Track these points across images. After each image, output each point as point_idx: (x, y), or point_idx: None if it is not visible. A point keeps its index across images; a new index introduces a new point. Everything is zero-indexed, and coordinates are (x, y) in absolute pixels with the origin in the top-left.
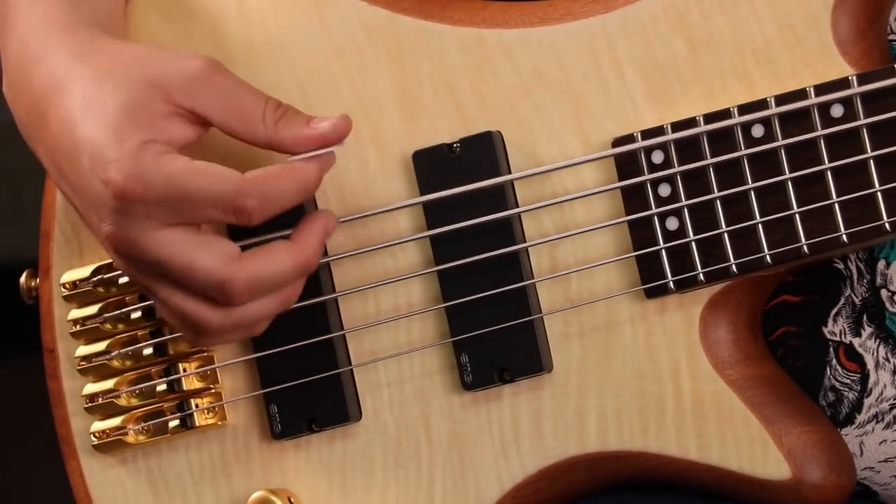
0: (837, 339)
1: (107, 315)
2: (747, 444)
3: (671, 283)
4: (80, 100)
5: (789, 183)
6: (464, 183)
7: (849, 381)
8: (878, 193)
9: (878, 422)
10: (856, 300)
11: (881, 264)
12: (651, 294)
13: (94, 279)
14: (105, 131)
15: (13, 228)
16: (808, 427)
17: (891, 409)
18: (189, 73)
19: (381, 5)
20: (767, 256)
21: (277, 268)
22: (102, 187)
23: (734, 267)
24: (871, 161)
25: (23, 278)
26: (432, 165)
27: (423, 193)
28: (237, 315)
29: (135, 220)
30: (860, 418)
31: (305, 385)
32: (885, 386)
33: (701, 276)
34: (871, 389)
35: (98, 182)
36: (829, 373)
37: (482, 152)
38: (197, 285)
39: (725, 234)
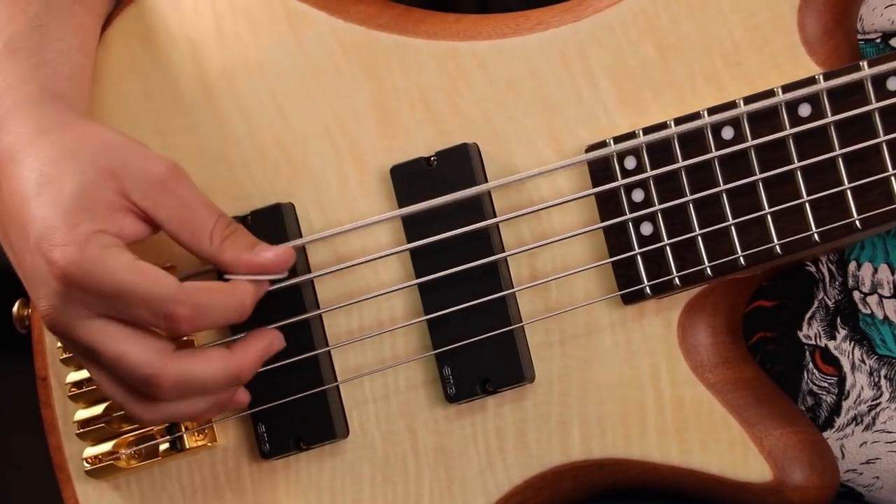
0: (813, 342)
1: None
2: (728, 447)
3: (647, 288)
4: (36, 176)
5: (760, 184)
6: (442, 195)
7: (826, 385)
8: (848, 191)
9: (857, 424)
10: (829, 303)
11: (852, 266)
12: (628, 300)
13: None
14: (57, 212)
15: None
16: (788, 428)
17: (869, 410)
18: (150, 176)
19: (357, 22)
20: (741, 258)
21: (207, 372)
22: (45, 266)
23: (709, 269)
24: (840, 159)
25: (15, 308)
26: (410, 179)
27: (401, 207)
28: (163, 410)
29: (71, 304)
30: (839, 421)
31: (292, 403)
32: (862, 388)
33: (676, 280)
34: (848, 392)
35: (42, 260)
36: (806, 377)
37: (459, 164)
38: (127, 377)
39: (699, 237)
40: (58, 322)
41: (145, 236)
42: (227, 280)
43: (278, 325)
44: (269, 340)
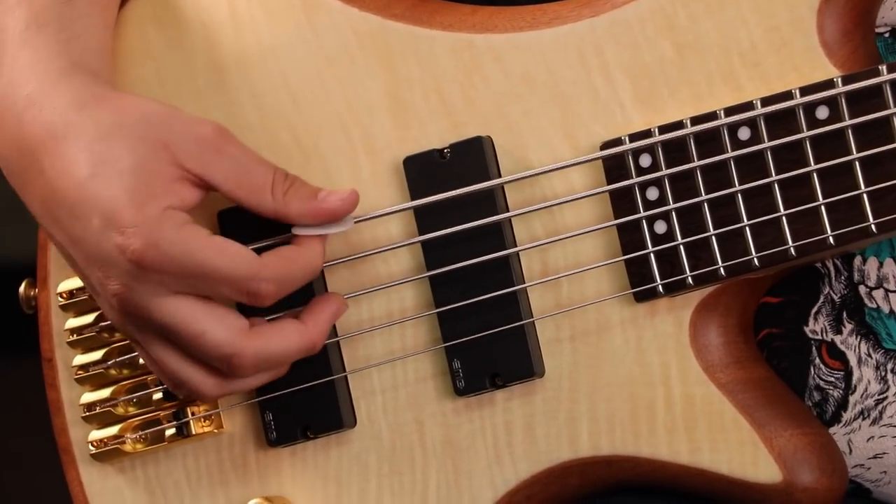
0: (819, 337)
1: (103, 324)
2: (738, 447)
3: (660, 286)
4: (87, 155)
5: (776, 185)
6: (454, 188)
7: (833, 380)
8: (864, 195)
9: (864, 418)
10: (835, 297)
11: (857, 260)
12: (640, 298)
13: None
14: (119, 193)
15: (13, 228)
16: (798, 430)
17: (876, 404)
18: (199, 138)
19: (372, 11)
20: (755, 259)
21: (285, 347)
22: (116, 250)
23: (722, 270)
24: (857, 162)
25: (22, 288)
26: (423, 171)
27: (414, 199)
28: (233, 385)
29: (147, 284)
30: (846, 416)
31: (300, 392)
32: (868, 382)
33: (689, 280)
34: (855, 386)
35: (111, 244)
36: (813, 372)
37: (472, 157)
38: (205, 355)
39: (713, 237)
40: (131, 302)
41: (200, 201)
42: (295, 236)
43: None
44: (336, 305)
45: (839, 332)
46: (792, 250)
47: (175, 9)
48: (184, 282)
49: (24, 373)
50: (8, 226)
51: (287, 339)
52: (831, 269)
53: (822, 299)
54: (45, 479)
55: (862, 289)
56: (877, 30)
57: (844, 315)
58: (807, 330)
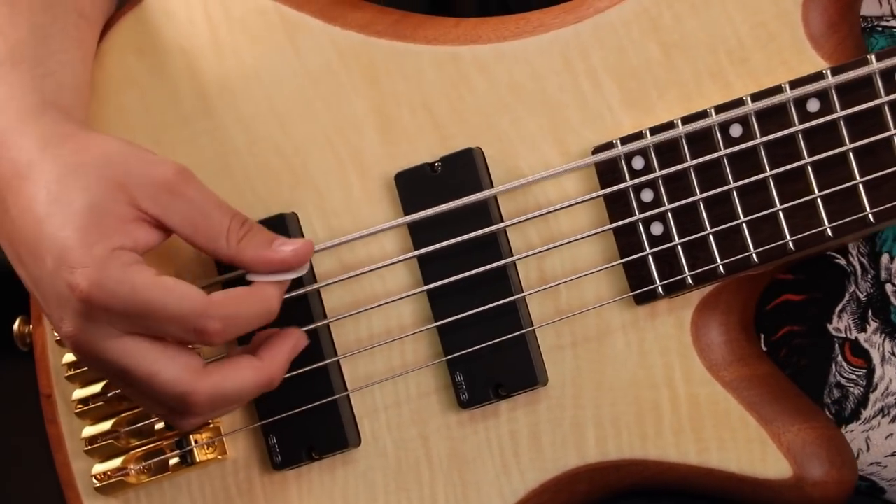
0: (843, 335)
1: None
2: (746, 444)
3: (660, 287)
4: (45, 194)
5: (770, 180)
6: (447, 201)
7: (854, 377)
8: (860, 185)
9: (884, 416)
10: (860, 296)
11: (885, 258)
12: (640, 300)
13: None
14: (72, 233)
15: None
16: (806, 424)
17: None
18: (157, 181)
19: (354, 29)
20: (754, 255)
21: (239, 384)
22: (66, 290)
23: (721, 268)
24: (851, 153)
25: (16, 325)
26: (415, 186)
27: (407, 214)
28: (196, 421)
29: (97, 325)
30: (865, 413)
31: (303, 414)
32: (890, 380)
33: (689, 280)
34: (876, 384)
35: (62, 283)
36: (834, 370)
37: (464, 169)
38: (159, 395)
39: (710, 236)
40: (84, 344)
41: (158, 243)
42: (249, 282)
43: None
44: (293, 340)
45: (863, 329)
46: (790, 244)
47: (156, 36)
48: (132, 321)
49: (24, 372)
50: None
51: (242, 376)
52: (857, 267)
53: (847, 297)
54: (45, 478)
55: (889, 287)
56: (885, 22)
57: (870, 313)
58: (830, 327)
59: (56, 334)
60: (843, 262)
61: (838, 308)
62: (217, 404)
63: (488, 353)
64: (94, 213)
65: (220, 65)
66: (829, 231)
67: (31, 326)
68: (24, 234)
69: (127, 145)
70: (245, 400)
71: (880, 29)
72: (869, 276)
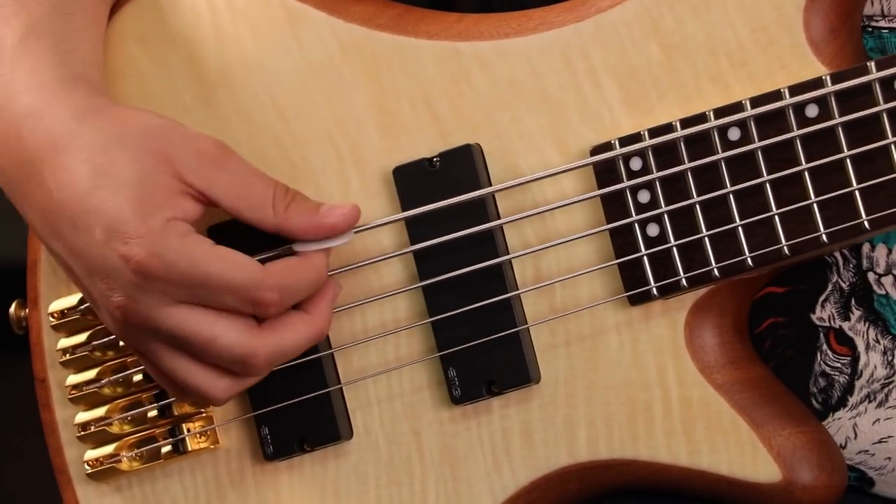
0: (827, 324)
1: (95, 343)
2: (737, 447)
3: (654, 289)
4: (90, 166)
5: (767, 185)
6: (445, 197)
7: (839, 365)
8: (856, 192)
9: (870, 401)
10: (843, 285)
11: (866, 248)
12: (635, 301)
13: (82, 308)
14: (122, 204)
15: (13, 229)
16: (797, 428)
17: (882, 388)
18: (200, 153)
19: (357, 22)
20: (748, 259)
21: (295, 339)
22: (119, 260)
23: (716, 271)
24: (848, 160)
25: (12, 309)
26: (413, 181)
27: (404, 209)
28: (244, 384)
29: (151, 295)
30: (852, 400)
31: (296, 405)
32: (875, 367)
33: (683, 282)
34: (861, 371)
35: (114, 255)
36: (819, 358)
37: (462, 166)
38: (219, 358)
39: (706, 239)
40: (137, 313)
41: (200, 216)
42: (296, 251)
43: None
44: (333, 289)
45: (847, 318)
46: (785, 249)
47: (158, 25)
48: (187, 291)
49: (24, 372)
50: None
51: (296, 332)
52: (839, 258)
53: (830, 287)
54: (45, 478)
55: (871, 276)
56: (875, 23)
57: (853, 302)
58: (813, 317)
59: (52, 319)
60: None
61: (821, 298)
62: (274, 361)
63: (482, 350)
64: (145, 184)
65: (222, 55)
66: (824, 237)
67: (27, 310)
68: (65, 206)
69: (163, 119)
70: (297, 354)
71: (870, 29)
72: (851, 265)
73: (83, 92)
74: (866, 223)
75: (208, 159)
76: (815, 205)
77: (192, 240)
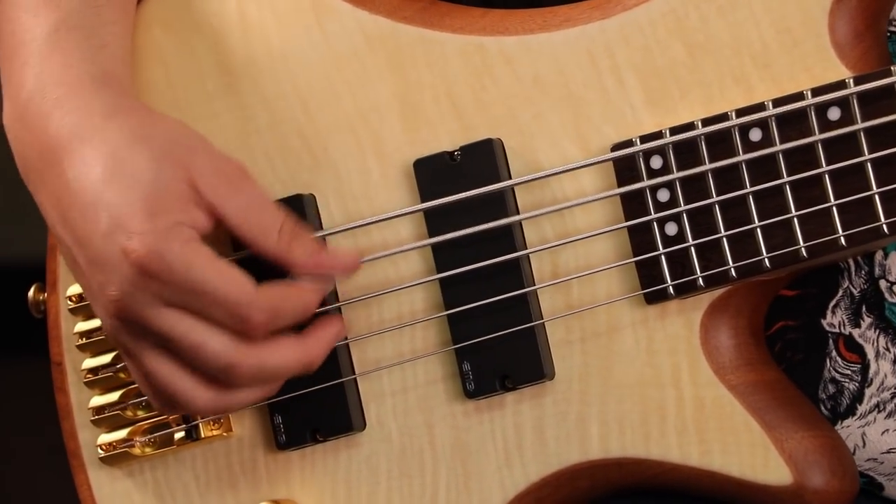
0: (837, 330)
1: None
2: (749, 449)
3: (671, 287)
4: (108, 159)
5: (787, 186)
6: (465, 190)
7: (849, 372)
8: (876, 196)
9: (879, 411)
10: (854, 291)
11: (878, 255)
12: (651, 299)
13: None
14: (136, 199)
15: (13, 228)
16: (809, 432)
17: (892, 398)
18: (219, 170)
19: (382, 14)
20: (766, 260)
21: (281, 362)
22: (119, 253)
23: (733, 271)
24: (869, 164)
25: (31, 292)
26: (433, 173)
27: (424, 201)
28: (225, 398)
29: (145, 293)
30: (861, 409)
31: (310, 395)
32: (885, 375)
33: (700, 281)
34: (871, 379)
35: (115, 247)
36: (829, 365)
37: (483, 160)
38: (203, 365)
39: (724, 239)
40: (129, 309)
41: (208, 230)
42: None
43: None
44: (337, 329)
45: (857, 325)
46: (803, 251)
47: (183, 12)
48: (180, 296)
49: (26, 372)
50: (8, 225)
51: (285, 353)
52: (851, 264)
53: (840, 293)
54: (44, 477)
55: (883, 283)
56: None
57: (864, 309)
58: (824, 323)
59: (70, 303)
60: None
61: (832, 304)
62: (258, 378)
63: (497, 344)
64: (159, 185)
65: (247, 43)
66: (842, 240)
67: (45, 293)
68: (79, 195)
69: (191, 130)
70: (284, 378)
71: (888, 34)
72: (863, 272)
73: (114, 90)
74: (885, 227)
75: (225, 177)
76: (834, 207)
77: (193, 246)
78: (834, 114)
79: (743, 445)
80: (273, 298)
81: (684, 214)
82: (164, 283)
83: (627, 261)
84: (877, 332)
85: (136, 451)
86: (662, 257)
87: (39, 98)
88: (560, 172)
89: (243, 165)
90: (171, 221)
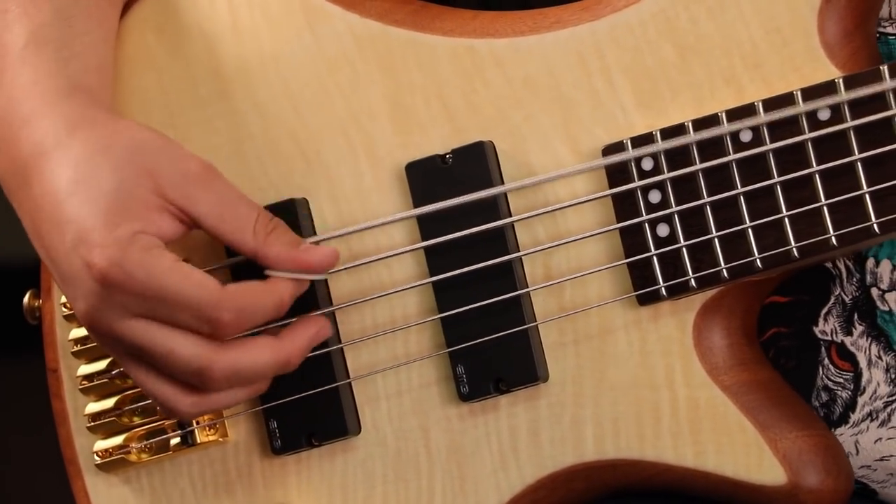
0: (829, 338)
1: None
2: (743, 449)
3: (663, 289)
4: (70, 173)
5: (778, 187)
6: (457, 193)
7: (842, 381)
8: (866, 195)
9: (872, 420)
10: (846, 299)
11: (870, 262)
12: (643, 301)
13: None
14: (94, 212)
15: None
16: (803, 432)
17: (885, 406)
18: (186, 172)
19: (373, 17)
20: (757, 260)
21: (257, 362)
22: (83, 268)
23: (725, 272)
24: (859, 163)
25: (26, 299)
26: (426, 177)
27: (416, 205)
28: (208, 401)
29: (111, 305)
30: (854, 417)
31: (304, 399)
32: (878, 384)
33: (692, 282)
34: (864, 388)
35: (79, 261)
36: (821, 372)
37: (475, 162)
38: (176, 371)
39: (716, 240)
40: (99, 322)
41: (181, 235)
42: (267, 277)
43: (291, 321)
44: (317, 327)
45: (849, 333)
46: (794, 251)
47: (175, 17)
48: (146, 305)
49: (26, 373)
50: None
51: (259, 353)
52: (843, 270)
53: (832, 300)
54: (44, 477)
55: (874, 291)
56: (881, 29)
57: (855, 317)
58: (816, 330)
59: (65, 310)
60: (829, 264)
61: (824, 311)
62: (233, 379)
63: (490, 347)
64: (120, 195)
65: (239, 48)
66: (833, 240)
67: (40, 300)
68: (46, 211)
69: (156, 134)
70: (261, 380)
71: (877, 35)
72: (854, 279)
73: (80, 101)
74: (875, 226)
75: (193, 178)
76: (825, 207)
77: (154, 253)
78: (824, 114)
79: (737, 446)
80: (241, 297)
81: (676, 215)
82: (128, 294)
83: (619, 262)
84: (869, 341)
85: (133, 457)
86: (654, 258)
87: (10, 117)
88: (552, 178)
89: (210, 164)
90: (132, 231)
